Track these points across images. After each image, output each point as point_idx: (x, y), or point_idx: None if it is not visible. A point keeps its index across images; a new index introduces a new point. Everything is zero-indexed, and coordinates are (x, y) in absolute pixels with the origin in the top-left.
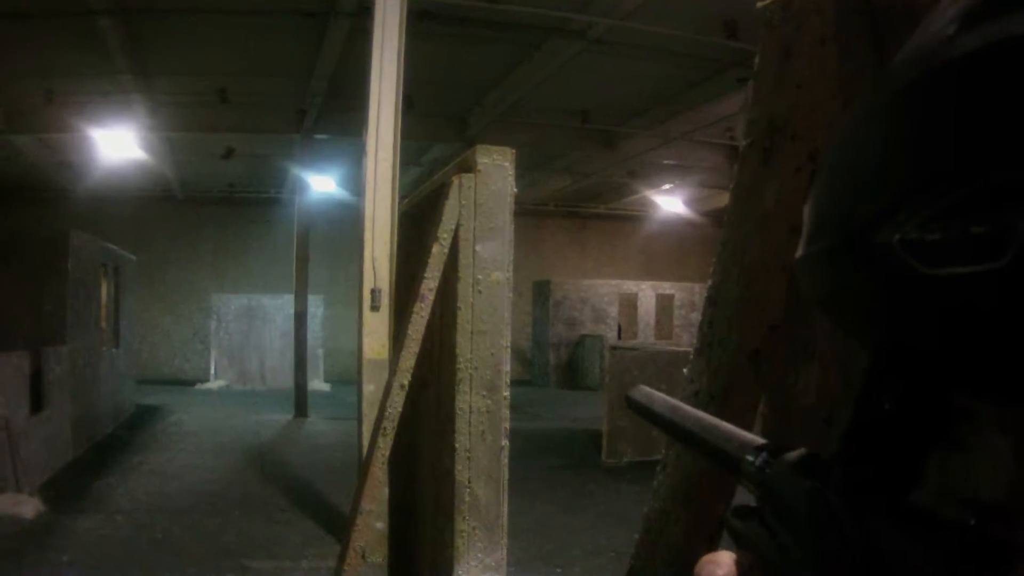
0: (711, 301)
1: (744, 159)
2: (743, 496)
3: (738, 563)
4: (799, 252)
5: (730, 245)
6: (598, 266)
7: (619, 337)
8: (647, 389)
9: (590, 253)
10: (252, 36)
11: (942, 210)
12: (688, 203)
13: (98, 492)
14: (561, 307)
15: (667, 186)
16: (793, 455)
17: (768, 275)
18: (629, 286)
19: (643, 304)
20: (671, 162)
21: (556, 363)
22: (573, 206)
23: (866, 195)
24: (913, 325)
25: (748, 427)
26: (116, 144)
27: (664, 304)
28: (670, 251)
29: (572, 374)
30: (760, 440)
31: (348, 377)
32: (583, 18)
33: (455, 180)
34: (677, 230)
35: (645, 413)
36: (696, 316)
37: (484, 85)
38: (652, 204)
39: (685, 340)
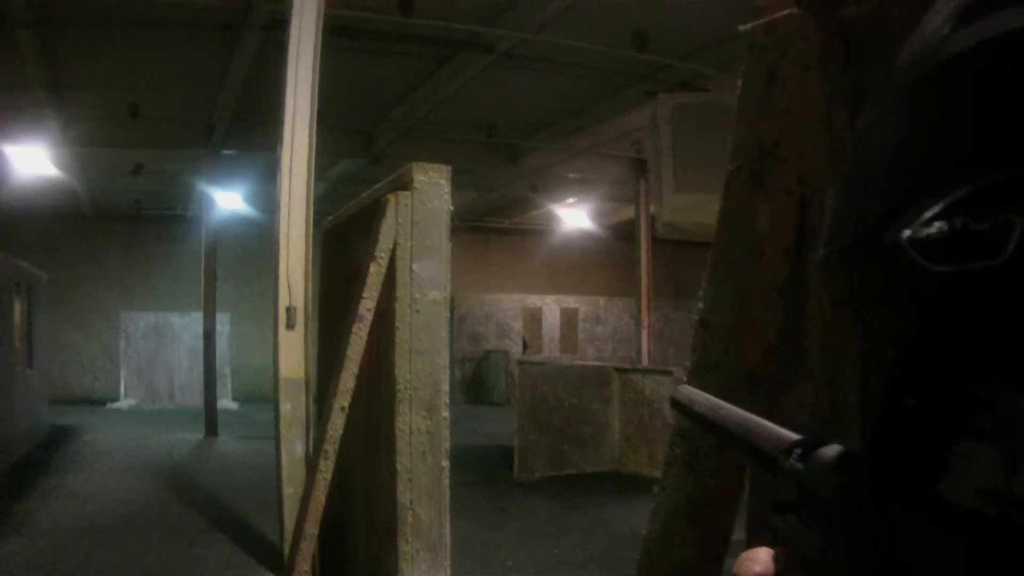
0: (703, 324)
1: (731, 182)
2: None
3: (775, 558)
4: (818, 253)
5: (721, 268)
6: (502, 281)
7: (524, 351)
8: (690, 389)
9: (494, 268)
10: (164, 49)
11: (945, 208)
12: (592, 217)
13: (19, 515)
14: (465, 322)
15: (571, 200)
16: (827, 451)
17: (763, 297)
18: (533, 300)
19: (547, 318)
20: (576, 176)
21: (461, 379)
22: (478, 220)
23: (876, 195)
24: (927, 321)
25: None
26: (28, 160)
27: (569, 318)
28: (574, 265)
29: (478, 389)
30: (795, 436)
31: (256, 395)
32: (494, 32)
33: (391, 198)
34: (581, 244)
35: (687, 413)
36: (601, 329)
37: (391, 100)
38: (556, 218)
39: (590, 353)
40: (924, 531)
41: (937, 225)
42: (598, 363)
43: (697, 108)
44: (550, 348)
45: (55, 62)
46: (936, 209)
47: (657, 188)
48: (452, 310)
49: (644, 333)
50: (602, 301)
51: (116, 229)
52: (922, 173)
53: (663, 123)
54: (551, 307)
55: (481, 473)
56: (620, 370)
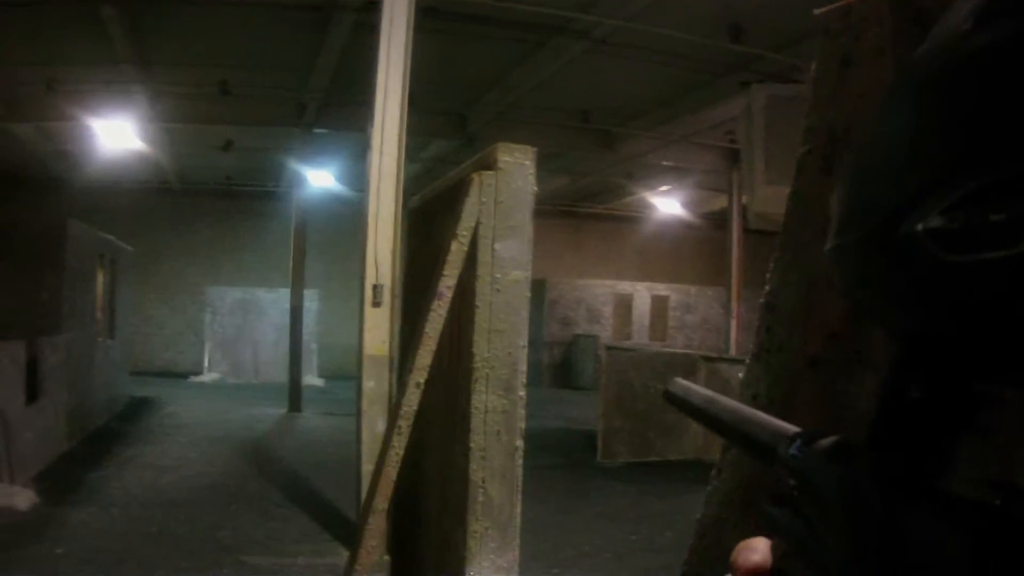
0: (769, 307)
1: (802, 166)
2: None
3: (773, 549)
4: (828, 244)
5: (788, 251)
6: (594, 266)
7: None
8: (684, 382)
9: (586, 253)
10: (255, 28)
11: (962, 199)
12: (686, 205)
13: (92, 484)
14: (556, 306)
15: (665, 188)
16: (826, 442)
17: (827, 283)
18: (624, 287)
19: (638, 305)
20: (670, 164)
21: (550, 362)
22: (571, 205)
23: (890, 186)
24: (938, 312)
25: None
26: (116, 134)
27: (659, 306)
28: (666, 253)
29: (566, 373)
30: (794, 428)
31: (342, 372)
32: (588, 18)
33: (476, 177)
34: (673, 232)
35: (682, 405)
36: (691, 318)
37: (485, 83)
38: (650, 205)
39: (679, 342)
40: (927, 521)
41: (954, 216)
42: (685, 351)
43: (790, 100)
44: (639, 335)
45: (142, 39)
46: (953, 199)
47: (749, 178)
48: (543, 294)
49: (733, 323)
50: (692, 289)
51: (204, 204)
52: (939, 164)
53: (756, 114)
54: (642, 294)
55: (563, 457)
56: (707, 358)
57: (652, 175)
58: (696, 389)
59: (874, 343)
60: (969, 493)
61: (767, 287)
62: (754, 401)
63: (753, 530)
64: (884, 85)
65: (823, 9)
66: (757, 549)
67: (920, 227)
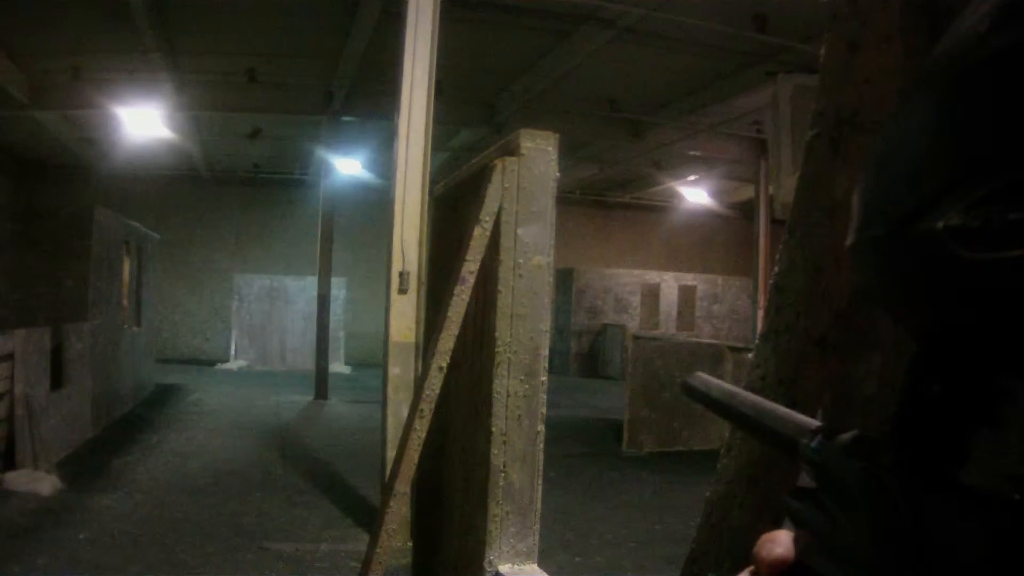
0: (777, 288)
1: (811, 149)
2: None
3: (796, 541)
4: (848, 240)
5: (797, 233)
6: (621, 255)
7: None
8: (704, 376)
9: (614, 242)
10: (282, 16)
11: (982, 198)
12: (713, 195)
13: (117, 470)
14: (584, 296)
15: (692, 177)
16: (847, 436)
17: (835, 264)
18: (652, 276)
19: (665, 295)
20: (697, 154)
21: (577, 351)
22: (599, 195)
23: (910, 185)
24: (958, 308)
25: (815, 412)
26: (142, 122)
27: (686, 295)
28: (694, 243)
29: (593, 363)
30: (815, 423)
31: (369, 360)
32: (615, 6)
33: (498, 163)
34: (701, 222)
35: (703, 399)
36: (718, 308)
37: (513, 72)
38: (677, 195)
39: (707, 331)
40: (948, 515)
41: (974, 213)
42: (712, 341)
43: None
44: (667, 325)
45: (169, 27)
46: (973, 198)
47: (776, 168)
48: (571, 283)
49: (760, 312)
50: (720, 280)
51: (232, 192)
52: (959, 164)
53: (783, 104)
54: (669, 284)
55: (589, 446)
56: (733, 348)
57: (680, 165)
58: (716, 383)
59: (881, 325)
60: (988, 486)
61: (775, 268)
62: (762, 382)
63: (759, 509)
64: (891, 70)
65: None
66: (780, 542)
67: (940, 225)
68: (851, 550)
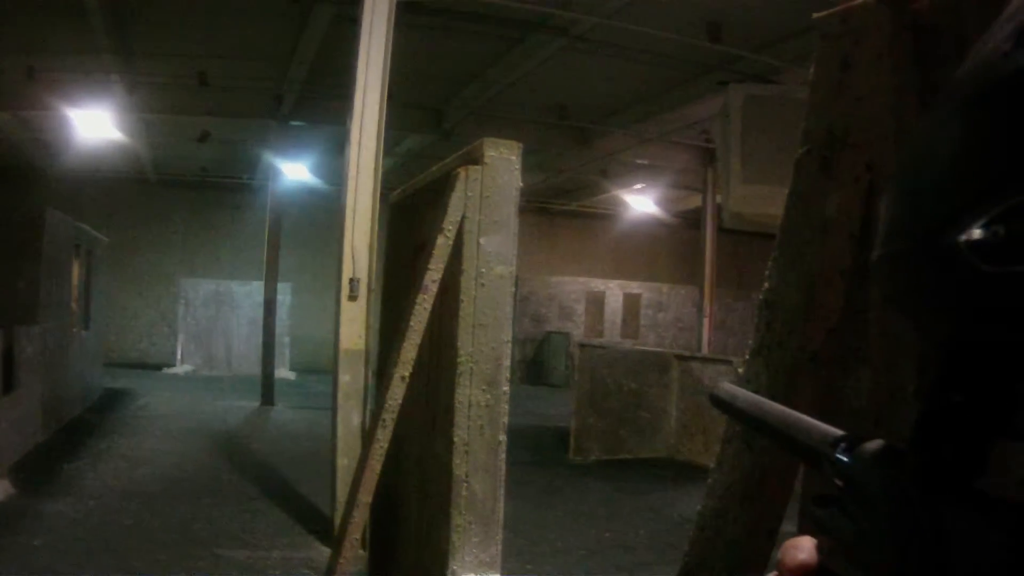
0: (767, 304)
1: (800, 167)
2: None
3: (818, 547)
4: (874, 253)
5: (788, 251)
6: (567, 263)
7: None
8: (731, 386)
9: (559, 250)
10: (235, 19)
11: (1003, 213)
12: (660, 203)
13: (68, 476)
14: (528, 303)
15: (639, 186)
16: (871, 445)
17: (827, 280)
18: (597, 284)
19: (610, 303)
20: (644, 162)
21: (521, 359)
22: (544, 202)
23: (933, 200)
24: (979, 320)
25: None
26: (93, 124)
27: (631, 303)
28: (639, 251)
29: (537, 370)
30: (840, 432)
31: (314, 366)
32: (567, 14)
33: (462, 172)
34: (647, 230)
35: (729, 409)
36: (663, 316)
37: (463, 78)
38: (623, 203)
39: (651, 340)
40: (970, 524)
41: (994, 228)
42: (659, 349)
43: (768, 100)
44: (612, 332)
45: (123, 28)
46: (993, 214)
47: (725, 178)
48: (515, 290)
49: (706, 322)
50: (665, 288)
51: (180, 195)
52: (981, 179)
53: (734, 113)
54: (614, 292)
55: (536, 453)
56: (680, 357)
57: (627, 173)
58: (743, 393)
59: (871, 341)
60: (1010, 495)
61: (765, 284)
62: None
63: (754, 524)
64: (883, 89)
65: (822, 13)
66: (803, 548)
67: (963, 239)
68: (875, 557)
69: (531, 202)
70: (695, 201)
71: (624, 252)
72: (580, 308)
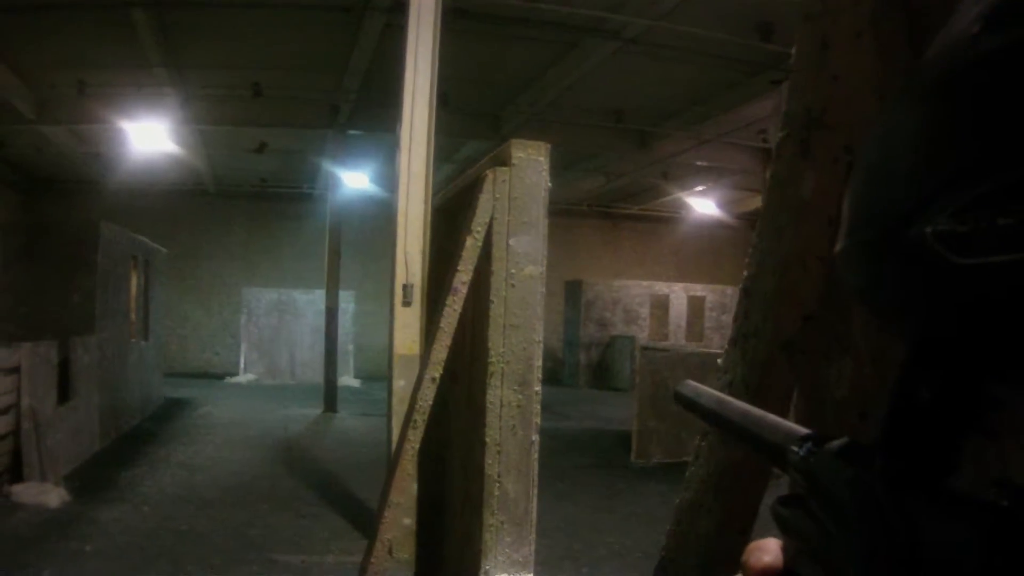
0: (746, 292)
1: (780, 150)
2: (775, 487)
3: (784, 549)
4: (838, 245)
5: (766, 236)
6: (630, 267)
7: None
8: (695, 384)
9: (623, 254)
10: (287, 30)
11: (971, 203)
12: (721, 205)
13: (124, 483)
14: (593, 307)
15: (700, 188)
16: (836, 444)
17: (803, 265)
18: (661, 287)
19: (674, 306)
20: (704, 164)
21: (586, 363)
22: (606, 206)
23: (899, 189)
24: (946, 314)
25: (783, 418)
26: (148, 136)
27: (695, 306)
28: (702, 253)
29: (602, 374)
30: (804, 430)
31: (378, 373)
32: (619, 18)
33: (489, 174)
34: (710, 232)
35: (692, 407)
36: (727, 319)
37: (519, 83)
38: (685, 206)
39: (716, 342)
40: (938, 522)
41: (962, 219)
42: (719, 351)
43: None
44: (676, 336)
45: (173, 42)
46: (962, 203)
47: None
48: (579, 295)
49: None
50: (729, 290)
51: (240, 206)
52: (948, 168)
53: None
54: (678, 295)
55: (597, 457)
56: None
57: (688, 175)
58: (707, 391)
59: (853, 329)
60: (978, 493)
61: (745, 272)
62: (730, 388)
63: (727, 516)
64: (861, 67)
65: None
66: (768, 550)
67: (929, 230)
68: (841, 558)
69: (593, 207)
70: (756, 202)
71: (687, 255)
72: (645, 312)
